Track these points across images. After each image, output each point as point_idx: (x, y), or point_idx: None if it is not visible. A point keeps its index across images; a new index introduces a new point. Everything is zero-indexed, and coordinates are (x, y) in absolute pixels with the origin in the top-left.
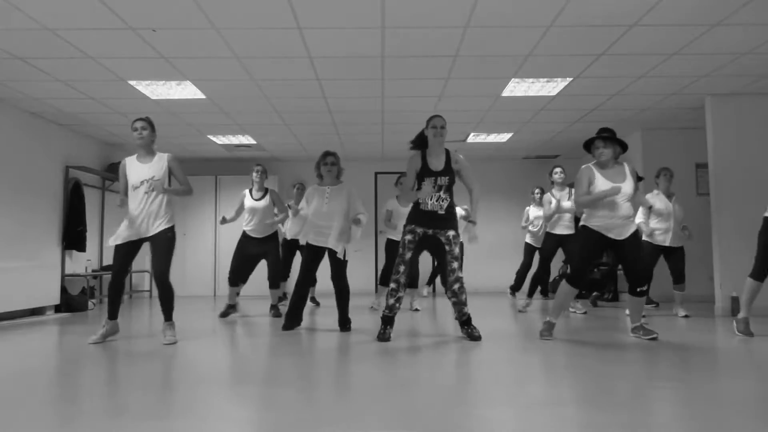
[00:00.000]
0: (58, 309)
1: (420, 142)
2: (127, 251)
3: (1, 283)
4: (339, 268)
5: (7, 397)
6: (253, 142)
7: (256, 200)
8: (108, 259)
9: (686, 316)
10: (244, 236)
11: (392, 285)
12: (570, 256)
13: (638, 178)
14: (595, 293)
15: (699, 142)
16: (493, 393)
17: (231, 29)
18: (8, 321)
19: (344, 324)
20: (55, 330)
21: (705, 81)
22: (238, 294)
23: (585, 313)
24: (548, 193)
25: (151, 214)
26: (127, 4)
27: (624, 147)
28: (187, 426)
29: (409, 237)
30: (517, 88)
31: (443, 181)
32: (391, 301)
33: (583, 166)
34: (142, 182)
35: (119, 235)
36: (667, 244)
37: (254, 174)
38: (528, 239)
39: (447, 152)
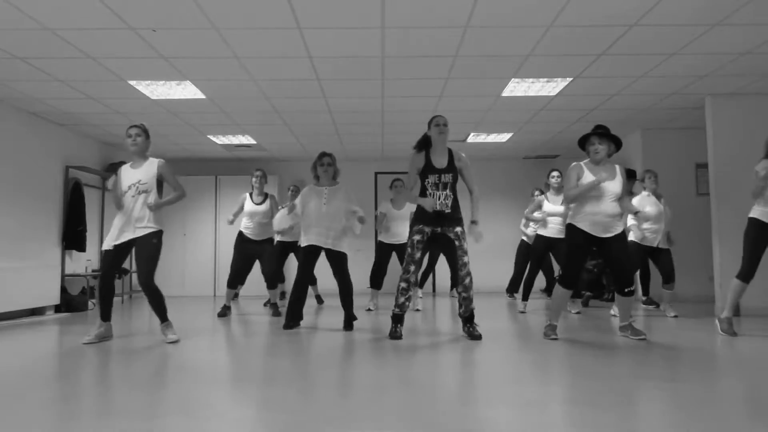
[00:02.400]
0: (58, 309)
1: (423, 145)
2: (115, 253)
3: (1, 283)
4: (340, 264)
5: (7, 397)
6: (253, 142)
7: (257, 204)
8: None
9: (675, 317)
10: (241, 237)
11: (402, 284)
12: (559, 258)
13: (631, 176)
14: (588, 293)
15: (699, 142)
16: (493, 393)
17: (231, 29)
18: (8, 321)
19: (349, 323)
20: (55, 330)
21: (705, 81)
22: (236, 295)
23: (578, 313)
24: (542, 196)
25: (136, 216)
26: (127, 4)
27: (618, 145)
28: (187, 426)
29: (417, 237)
30: (517, 88)
31: (447, 178)
32: (401, 299)
33: (573, 164)
34: (129, 186)
35: (109, 240)
36: (655, 245)
37: (254, 179)
38: (525, 238)
39: (450, 150)
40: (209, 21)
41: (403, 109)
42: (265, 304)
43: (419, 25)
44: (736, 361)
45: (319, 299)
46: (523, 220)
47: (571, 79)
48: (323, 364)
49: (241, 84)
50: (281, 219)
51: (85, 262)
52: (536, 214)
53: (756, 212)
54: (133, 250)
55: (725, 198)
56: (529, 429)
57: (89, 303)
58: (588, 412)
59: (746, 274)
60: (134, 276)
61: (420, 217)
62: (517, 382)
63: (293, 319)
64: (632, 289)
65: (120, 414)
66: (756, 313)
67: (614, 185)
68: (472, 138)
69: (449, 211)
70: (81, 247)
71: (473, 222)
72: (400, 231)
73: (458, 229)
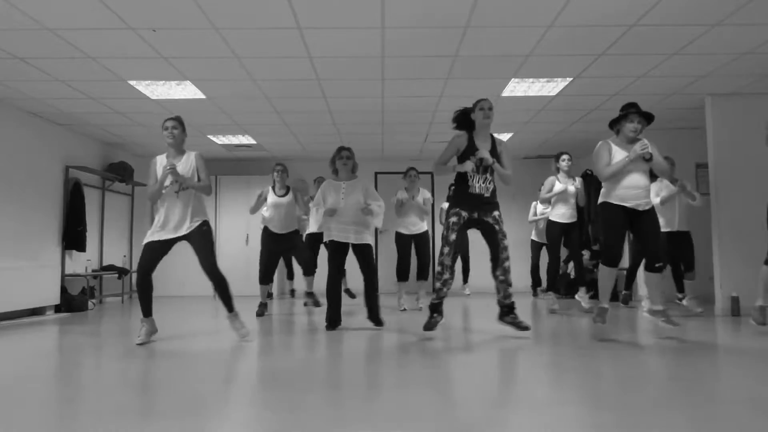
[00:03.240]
0: (58, 309)
1: (463, 122)
2: (157, 249)
3: (1, 283)
4: (366, 256)
5: (7, 396)
6: (253, 142)
7: (280, 196)
8: (108, 260)
9: (701, 313)
10: (267, 233)
11: (438, 268)
12: (571, 246)
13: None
14: (591, 292)
15: (699, 142)
16: (494, 393)
17: (231, 29)
18: (8, 321)
19: (376, 317)
20: (55, 330)
21: (705, 81)
22: (270, 295)
23: (554, 311)
24: (552, 177)
25: (182, 213)
26: (127, 4)
27: (650, 121)
28: (190, 426)
29: (454, 219)
30: (517, 88)
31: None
32: (438, 284)
33: (600, 142)
34: (171, 182)
35: (153, 233)
36: (673, 229)
37: (275, 174)
38: (534, 236)
39: (492, 136)
40: (209, 21)
41: (403, 109)
42: (305, 304)
43: (419, 25)
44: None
45: (350, 293)
46: (532, 211)
47: (571, 79)
48: (324, 365)
49: (241, 84)
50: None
51: (85, 262)
52: (549, 195)
53: None
54: (190, 245)
55: (725, 198)
56: (530, 429)
57: (89, 303)
58: (594, 412)
59: None
60: (134, 276)
61: (457, 201)
62: (518, 382)
63: (334, 322)
64: (661, 264)
65: (120, 414)
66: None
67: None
68: None
69: (488, 195)
70: (81, 247)
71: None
72: (415, 220)
73: (496, 213)
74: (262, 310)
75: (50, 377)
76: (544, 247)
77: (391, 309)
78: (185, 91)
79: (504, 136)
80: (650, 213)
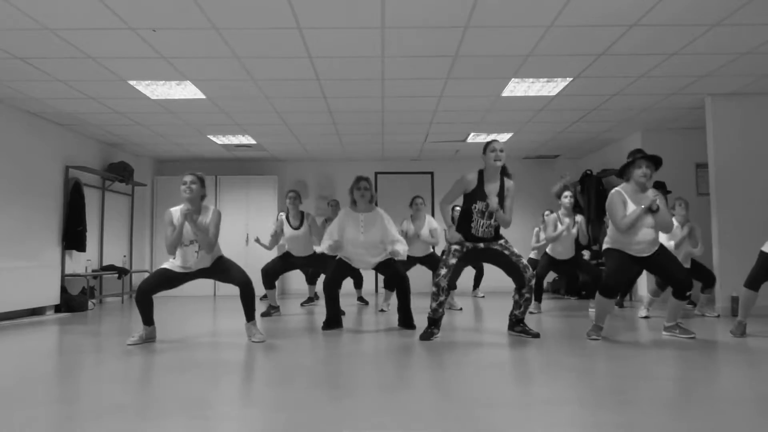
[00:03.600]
0: (58, 309)
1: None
2: (170, 279)
3: (1, 283)
4: (390, 269)
5: (7, 397)
6: (253, 142)
7: (295, 228)
8: (108, 260)
9: (717, 316)
10: (288, 254)
11: (433, 288)
12: (561, 275)
13: (659, 186)
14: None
15: (699, 142)
16: (494, 393)
17: (231, 29)
18: (8, 321)
19: (408, 324)
20: (55, 330)
21: (705, 81)
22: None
23: (539, 312)
24: (554, 214)
25: (197, 265)
26: (127, 4)
27: (658, 165)
28: (189, 425)
29: (456, 246)
30: (517, 88)
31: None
32: (434, 305)
33: (612, 191)
34: (191, 242)
35: (175, 264)
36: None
37: (288, 201)
38: (532, 255)
39: (502, 180)
40: (209, 21)
41: (403, 109)
42: (302, 305)
43: (419, 25)
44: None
45: (362, 299)
46: (534, 240)
47: (571, 79)
48: (325, 365)
49: (241, 84)
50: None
51: (85, 262)
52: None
53: None
54: (215, 276)
55: (725, 198)
56: (529, 429)
57: (89, 303)
58: (593, 412)
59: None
60: (134, 276)
61: (461, 232)
62: (518, 382)
63: (333, 323)
64: (690, 293)
65: (120, 414)
66: (757, 313)
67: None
68: (472, 138)
69: (490, 237)
70: (81, 247)
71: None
72: (422, 248)
73: (501, 240)
74: (269, 311)
75: (50, 377)
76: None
77: (393, 311)
78: (185, 91)
79: (504, 136)
80: (659, 252)
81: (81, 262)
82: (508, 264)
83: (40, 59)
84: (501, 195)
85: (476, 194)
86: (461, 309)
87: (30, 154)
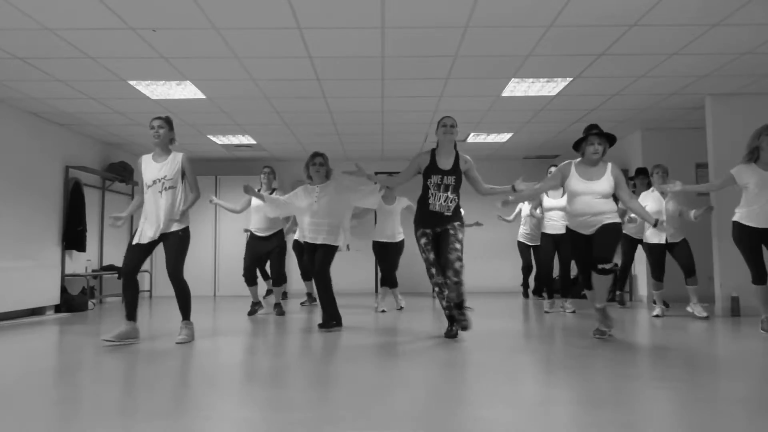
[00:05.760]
0: (58, 309)
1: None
2: (141, 250)
3: (1, 283)
4: (322, 256)
5: (7, 396)
6: (253, 142)
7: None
8: (108, 260)
9: (707, 317)
10: (251, 236)
11: (435, 289)
12: (565, 257)
13: (641, 173)
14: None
15: (699, 142)
16: (493, 393)
17: (231, 29)
18: (8, 321)
19: (326, 321)
20: (55, 330)
21: (705, 81)
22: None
23: (573, 311)
24: (553, 167)
25: (163, 213)
26: (127, 4)
27: (612, 142)
28: (189, 426)
29: (423, 240)
30: (517, 88)
31: (449, 180)
32: (444, 302)
33: (565, 162)
34: (155, 181)
35: (144, 234)
36: (663, 241)
37: (262, 175)
38: (520, 238)
39: (457, 153)
40: (209, 21)
41: (403, 109)
42: (302, 303)
43: (419, 25)
44: (759, 364)
45: (311, 297)
46: (511, 217)
47: (571, 79)
48: (322, 365)
49: (241, 84)
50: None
51: (85, 262)
52: (537, 211)
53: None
54: (163, 246)
55: (725, 198)
56: (529, 429)
57: (89, 303)
58: (593, 412)
59: (758, 276)
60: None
61: (421, 219)
62: (517, 382)
63: (330, 320)
64: (606, 267)
65: (119, 414)
66: (757, 314)
67: (600, 185)
68: (472, 138)
69: (449, 214)
70: (81, 247)
71: (512, 187)
72: (389, 227)
73: (456, 223)
74: (254, 309)
75: (50, 377)
76: (532, 249)
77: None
78: (185, 91)
79: (504, 136)
80: (600, 229)
81: (81, 262)
82: (445, 242)
83: (40, 59)
84: (456, 170)
85: (430, 170)
86: (402, 308)
87: (30, 154)
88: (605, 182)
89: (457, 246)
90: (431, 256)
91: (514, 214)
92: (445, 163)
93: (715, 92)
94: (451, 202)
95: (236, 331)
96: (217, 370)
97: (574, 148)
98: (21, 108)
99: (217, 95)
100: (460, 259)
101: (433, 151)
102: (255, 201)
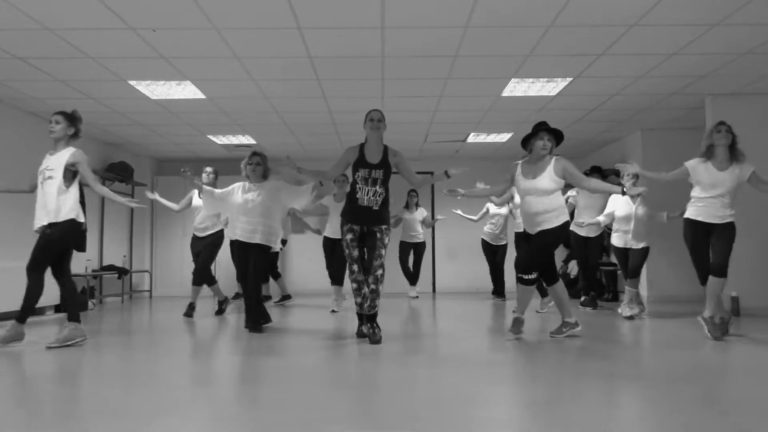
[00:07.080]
0: (58, 309)
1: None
2: (39, 239)
3: (1, 283)
4: (255, 259)
5: (7, 396)
6: (253, 142)
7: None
8: (108, 260)
9: (631, 318)
10: (192, 237)
11: (354, 285)
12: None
13: (596, 171)
14: (592, 293)
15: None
16: (493, 393)
17: (231, 29)
18: (8, 321)
19: (255, 323)
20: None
21: (705, 81)
22: (228, 297)
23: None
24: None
25: (46, 204)
26: (127, 4)
27: (560, 139)
28: (185, 426)
29: (350, 236)
30: (517, 88)
31: (377, 174)
32: (358, 299)
33: (514, 162)
34: (40, 172)
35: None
36: (622, 245)
37: (204, 175)
38: (484, 236)
39: (385, 147)
40: (209, 21)
41: (403, 109)
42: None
43: (419, 25)
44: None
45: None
46: (477, 217)
47: (571, 79)
48: (319, 364)
49: (241, 84)
50: (330, 224)
51: (85, 262)
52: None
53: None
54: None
55: None
56: (528, 429)
57: (89, 303)
58: (592, 412)
59: (702, 277)
60: (134, 276)
61: (349, 214)
62: (516, 382)
63: (255, 320)
64: (527, 278)
65: (119, 414)
66: (757, 314)
67: (542, 181)
68: (472, 138)
69: (377, 208)
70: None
71: (445, 173)
72: (336, 226)
73: (384, 226)
74: (188, 311)
75: (50, 377)
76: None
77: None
78: (185, 91)
79: (504, 136)
80: (538, 234)
81: (81, 262)
82: (371, 247)
83: (40, 59)
84: (385, 163)
85: (358, 163)
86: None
87: (30, 154)
88: (547, 178)
89: (382, 252)
90: (355, 253)
91: (481, 213)
92: (373, 157)
93: (715, 92)
94: (379, 196)
95: (236, 331)
96: (218, 370)
97: (522, 145)
98: (21, 108)
99: (217, 95)
100: (382, 266)
101: (361, 146)
102: (196, 200)
